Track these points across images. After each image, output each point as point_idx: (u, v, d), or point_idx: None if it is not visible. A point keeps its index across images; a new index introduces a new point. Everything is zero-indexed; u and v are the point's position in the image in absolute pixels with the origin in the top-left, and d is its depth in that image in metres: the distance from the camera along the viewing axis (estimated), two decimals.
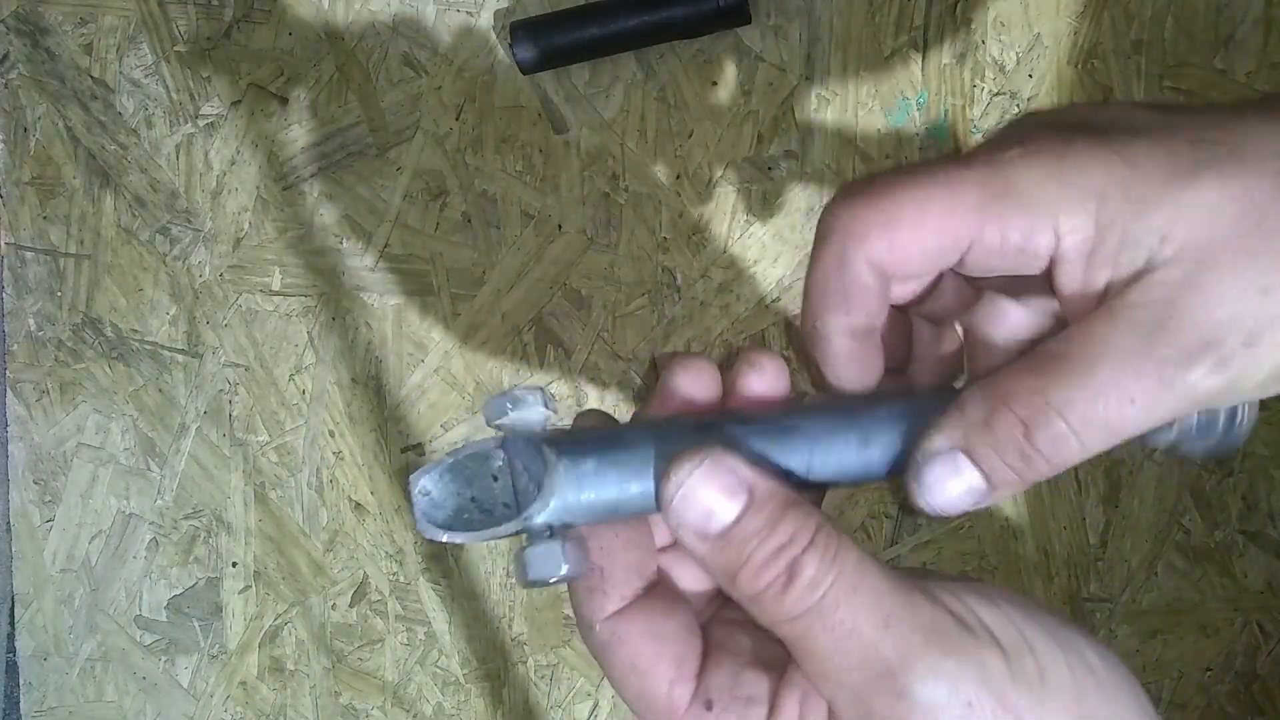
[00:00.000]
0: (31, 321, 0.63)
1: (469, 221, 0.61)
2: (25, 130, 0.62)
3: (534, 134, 0.61)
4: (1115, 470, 0.59)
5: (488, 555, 0.63)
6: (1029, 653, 0.24)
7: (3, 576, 0.64)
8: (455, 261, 0.61)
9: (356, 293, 0.62)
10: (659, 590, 0.28)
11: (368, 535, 0.63)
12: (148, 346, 0.63)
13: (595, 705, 0.63)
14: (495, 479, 0.25)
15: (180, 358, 0.63)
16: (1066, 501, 0.60)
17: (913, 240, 0.26)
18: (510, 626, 0.63)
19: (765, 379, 0.28)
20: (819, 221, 0.28)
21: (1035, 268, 0.26)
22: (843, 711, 0.24)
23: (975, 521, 0.61)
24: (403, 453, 0.63)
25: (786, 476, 0.27)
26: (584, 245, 0.60)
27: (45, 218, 0.63)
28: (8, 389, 0.64)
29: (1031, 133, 0.26)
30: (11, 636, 0.65)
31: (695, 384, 0.28)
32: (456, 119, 0.61)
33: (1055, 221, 0.25)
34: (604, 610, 0.26)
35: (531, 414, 0.25)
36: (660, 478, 0.25)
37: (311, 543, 0.63)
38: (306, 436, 0.63)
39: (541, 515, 0.25)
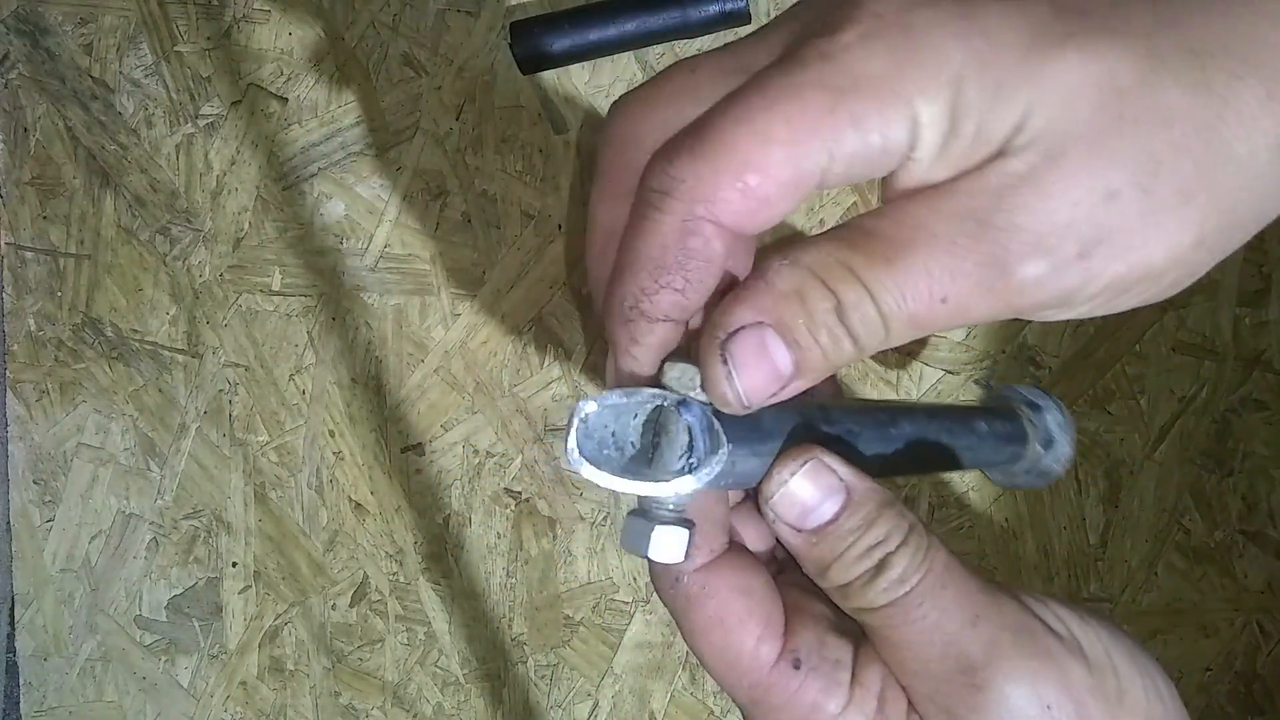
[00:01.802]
0: (31, 321, 0.63)
1: (469, 221, 0.61)
2: (25, 130, 0.62)
3: (534, 134, 0.61)
4: (1115, 470, 0.59)
5: (487, 555, 0.63)
6: (1112, 670, 0.24)
7: (3, 576, 0.64)
8: (455, 261, 0.61)
9: (356, 293, 0.62)
10: (739, 548, 0.28)
11: (368, 535, 0.63)
12: (148, 346, 0.63)
13: (595, 705, 0.63)
14: (635, 416, 0.25)
15: (180, 358, 0.63)
16: (1066, 501, 0.60)
17: (771, 181, 0.21)
18: (510, 626, 0.63)
19: None
20: (642, 187, 0.23)
21: (889, 167, 0.22)
22: (921, 702, 0.25)
23: (975, 521, 0.61)
24: (403, 453, 0.63)
25: (877, 464, 0.28)
26: (584, 245, 0.60)
27: (45, 218, 0.63)
28: (8, 389, 0.64)
29: (862, 2, 0.21)
30: (11, 636, 0.65)
31: None
32: (456, 119, 0.61)
33: (913, 112, 0.21)
34: (693, 562, 0.26)
35: (703, 396, 0.24)
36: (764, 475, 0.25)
37: (311, 543, 0.63)
38: (306, 436, 0.63)
39: (689, 490, 0.24)
